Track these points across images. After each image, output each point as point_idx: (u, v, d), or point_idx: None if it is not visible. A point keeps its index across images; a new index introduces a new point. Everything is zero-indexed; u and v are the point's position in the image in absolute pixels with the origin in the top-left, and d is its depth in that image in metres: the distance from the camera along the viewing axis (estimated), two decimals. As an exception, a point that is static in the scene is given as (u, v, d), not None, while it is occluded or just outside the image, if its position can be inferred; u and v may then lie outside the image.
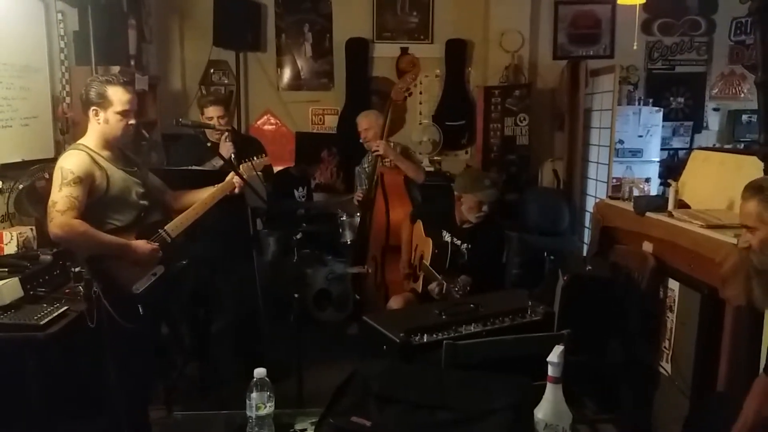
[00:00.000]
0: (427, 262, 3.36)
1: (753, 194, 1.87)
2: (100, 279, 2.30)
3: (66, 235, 2.25)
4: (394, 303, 3.41)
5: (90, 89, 2.38)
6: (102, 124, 2.39)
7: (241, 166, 2.87)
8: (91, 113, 2.40)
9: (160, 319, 3.02)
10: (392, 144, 4.21)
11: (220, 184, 2.74)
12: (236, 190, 2.77)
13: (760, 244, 1.84)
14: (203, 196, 2.67)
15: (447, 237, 3.40)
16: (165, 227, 2.49)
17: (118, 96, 2.38)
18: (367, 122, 4.17)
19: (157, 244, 2.44)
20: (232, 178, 2.76)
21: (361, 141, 4.22)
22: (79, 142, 2.43)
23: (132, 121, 2.44)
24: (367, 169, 4.22)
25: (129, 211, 2.44)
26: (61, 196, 2.25)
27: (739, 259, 1.96)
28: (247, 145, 3.63)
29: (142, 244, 2.38)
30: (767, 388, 1.88)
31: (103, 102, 2.37)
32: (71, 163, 2.30)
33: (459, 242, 3.38)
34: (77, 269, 2.62)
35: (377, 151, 3.98)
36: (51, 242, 2.73)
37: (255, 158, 2.98)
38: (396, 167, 4.05)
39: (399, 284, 3.75)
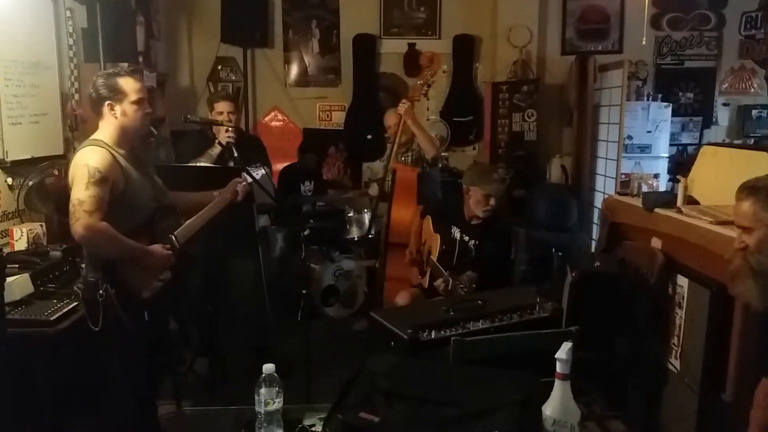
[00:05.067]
0: (434, 257, 3.37)
1: (748, 194, 1.86)
2: (113, 283, 2.25)
3: (92, 236, 2.15)
4: (401, 299, 3.41)
5: (99, 85, 2.30)
6: (120, 118, 2.30)
7: (242, 174, 2.83)
8: (105, 109, 2.29)
9: (164, 324, 3.01)
10: None
11: (221, 191, 2.68)
12: (239, 197, 2.72)
13: (758, 245, 1.83)
14: (202, 199, 2.62)
15: (456, 233, 3.42)
16: (174, 233, 2.43)
17: (130, 86, 2.30)
18: (394, 119, 4.19)
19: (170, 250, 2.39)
20: (234, 186, 2.72)
21: (386, 136, 4.28)
22: (97, 137, 2.30)
23: (148, 110, 2.38)
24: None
25: (141, 213, 2.35)
26: (88, 195, 2.14)
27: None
28: (249, 145, 3.64)
29: (159, 249, 2.34)
30: None
31: (117, 95, 2.28)
32: (96, 160, 2.18)
33: (467, 238, 3.39)
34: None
35: (400, 111, 3.93)
36: (61, 238, 2.74)
37: (254, 172, 2.99)
38: (409, 165, 4.09)
39: (396, 281, 3.78)
